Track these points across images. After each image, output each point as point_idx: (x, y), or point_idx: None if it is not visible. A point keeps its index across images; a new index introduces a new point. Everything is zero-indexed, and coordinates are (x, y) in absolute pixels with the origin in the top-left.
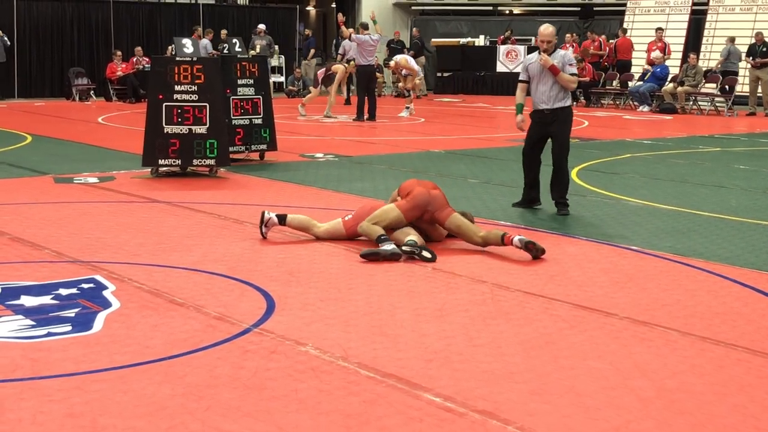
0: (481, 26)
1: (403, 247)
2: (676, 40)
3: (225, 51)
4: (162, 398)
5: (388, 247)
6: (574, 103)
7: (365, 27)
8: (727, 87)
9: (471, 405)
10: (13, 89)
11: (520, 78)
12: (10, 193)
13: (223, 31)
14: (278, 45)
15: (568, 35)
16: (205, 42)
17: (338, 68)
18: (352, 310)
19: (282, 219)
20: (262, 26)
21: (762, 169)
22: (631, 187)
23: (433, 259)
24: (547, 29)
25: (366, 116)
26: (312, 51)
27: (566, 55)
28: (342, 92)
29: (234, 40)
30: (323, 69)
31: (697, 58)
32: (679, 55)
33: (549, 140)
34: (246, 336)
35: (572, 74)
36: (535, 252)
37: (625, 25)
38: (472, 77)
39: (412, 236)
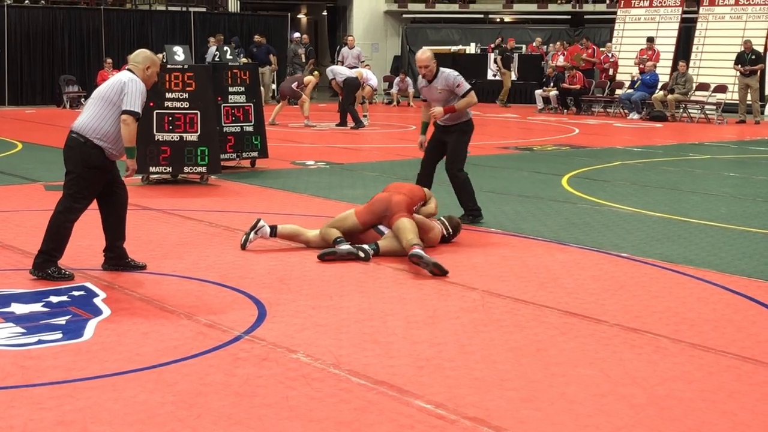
0: (472, 34)
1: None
2: (666, 48)
3: (217, 58)
4: (153, 406)
5: (344, 247)
6: (565, 110)
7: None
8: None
9: (462, 412)
10: (4, 97)
11: (423, 97)
12: (0, 200)
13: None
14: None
15: (558, 43)
16: (211, 49)
17: (309, 79)
18: (343, 317)
19: (273, 230)
20: (297, 35)
21: (752, 177)
22: (621, 194)
23: (366, 259)
24: (423, 53)
25: (338, 122)
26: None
27: (449, 77)
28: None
29: (225, 48)
30: (296, 83)
31: (687, 66)
32: (669, 63)
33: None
34: (237, 343)
35: (465, 93)
36: (426, 266)
37: (615, 33)
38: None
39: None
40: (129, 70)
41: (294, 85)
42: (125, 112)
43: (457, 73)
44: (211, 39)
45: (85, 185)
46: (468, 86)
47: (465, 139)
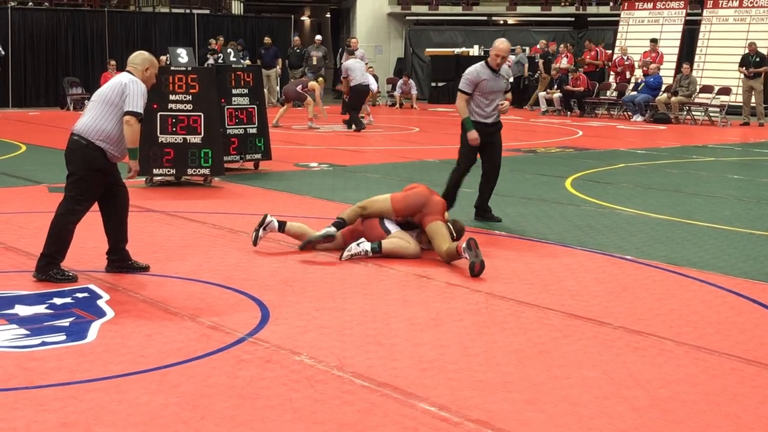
0: (475, 36)
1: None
2: (670, 50)
3: (220, 60)
4: (156, 407)
5: (323, 231)
6: (568, 113)
7: (351, 53)
8: None
9: (466, 414)
10: (8, 99)
11: (466, 90)
12: (4, 202)
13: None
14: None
15: (562, 45)
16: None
17: (314, 85)
18: (346, 319)
19: (282, 226)
20: (319, 37)
21: (755, 179)
22: (625, 196)
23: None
24: (503, 44)
25: (350, 126)
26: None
27: (506, 67)
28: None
29: (229, 50)
30: (300, 85)
31: (691, 69)
32: (673, 66)
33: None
34: (240, 345)
35: (511, 87)
36: (474, 257)
37: (619, 36)
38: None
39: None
40: (128, 71)
41: (299, 88)
42: (128, 113)
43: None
44: (212, 41)
45: (86, 187)
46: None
47: None
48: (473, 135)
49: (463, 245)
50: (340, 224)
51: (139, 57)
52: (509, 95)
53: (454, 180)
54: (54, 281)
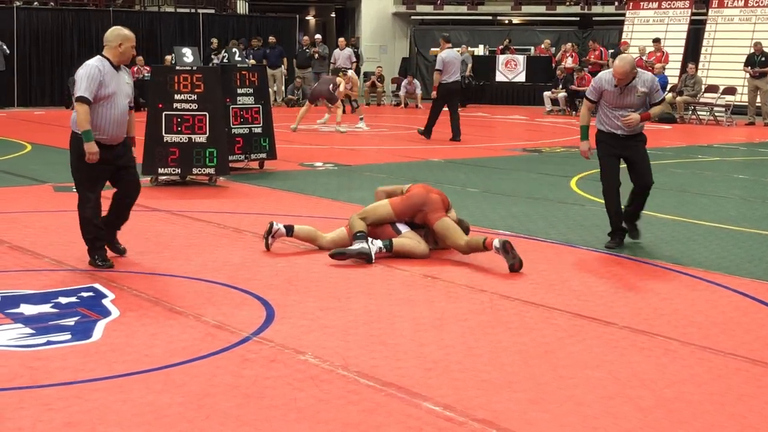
0: (480, 36)
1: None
2: (675, 50)
3: (225, 60)
4: (161, 406)
5: (356, 246)
6: (573, 112)
7: (447, 40)
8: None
9: (470, 414)
10: (13, 98)
11: (590, 97)
12: (9, 201)
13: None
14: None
15: (567, 45)
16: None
17: (341, 82)
18: (351, 319)
19: (290, 230)
20: (318, 36)
21: (761, 179)
22: None
23: (369, 262)
24: (620, 62)
25: (451, 136)
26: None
27: (648, 78)
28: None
29: (234, 50)
30: (331, 85)
31: (696, 68)
32: (678, 65)
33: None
34: (245, 344)
35: (661, 100)
36: (512, 258)
37: (624, 35)
38: (471, 87)
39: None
40: (101, 54)
41: (330, 87)
42: (74, 100)
43: (653, 75)
44: (215, 40)
45: (81, 175)
46: (662, 93)
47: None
48: (583, 147)
49: (497, 245)
50: (364, 237)
51: (112, 33)
52: (655, 109)
53: (606, 204)
54: (96, 267)
